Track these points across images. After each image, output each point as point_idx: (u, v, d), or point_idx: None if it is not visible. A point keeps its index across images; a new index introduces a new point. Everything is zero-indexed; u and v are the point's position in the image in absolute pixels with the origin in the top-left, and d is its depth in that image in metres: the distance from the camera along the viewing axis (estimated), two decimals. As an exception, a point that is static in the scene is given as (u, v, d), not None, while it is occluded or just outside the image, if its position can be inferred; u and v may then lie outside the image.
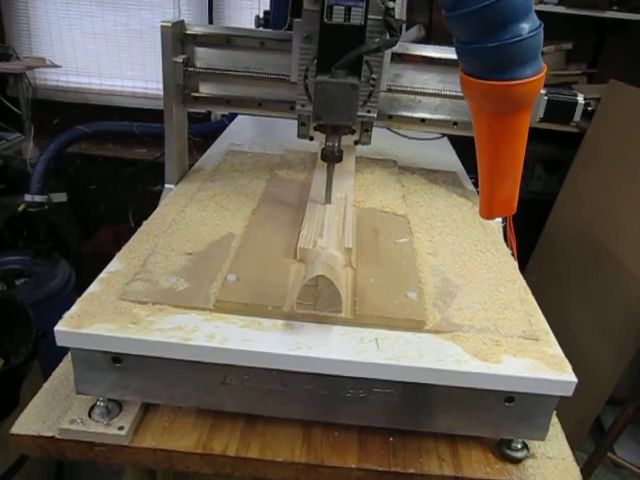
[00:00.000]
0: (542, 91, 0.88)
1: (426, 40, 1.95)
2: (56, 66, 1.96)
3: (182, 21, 0.90)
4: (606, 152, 1.69)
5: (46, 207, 1.58)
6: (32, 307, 1.32)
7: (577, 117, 0.90)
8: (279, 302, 0.63)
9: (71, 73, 2.07)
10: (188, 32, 0.91)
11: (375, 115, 0.83)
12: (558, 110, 0.89)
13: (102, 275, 0.68)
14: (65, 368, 0.72)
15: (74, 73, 2.08)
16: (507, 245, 0.85)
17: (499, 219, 0.92)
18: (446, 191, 1.01)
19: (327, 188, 0.79)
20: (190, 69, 0.90)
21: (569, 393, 0.59)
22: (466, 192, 1.03)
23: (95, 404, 0.65)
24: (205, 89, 0.94)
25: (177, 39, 0.89)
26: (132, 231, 2.18)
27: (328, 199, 0.80)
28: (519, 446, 0.65)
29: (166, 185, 0.98)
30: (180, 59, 0.88)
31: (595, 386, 1.51)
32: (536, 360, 0.60)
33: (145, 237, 0.77)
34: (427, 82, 0.89)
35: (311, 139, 0.90)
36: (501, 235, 0.89)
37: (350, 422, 0.66)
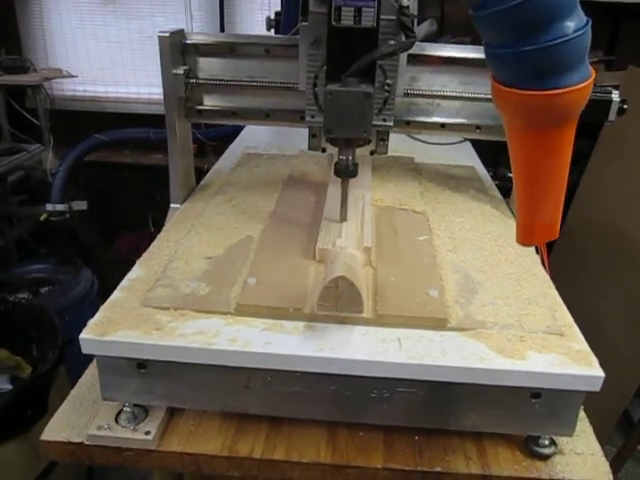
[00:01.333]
0: None
1: (439, 34, 1.93)
2: (72, 76, 1.99)
3: (182, 30, 0.88)
4: (628, 140, 1.66)
5: (67, 215, 1.61)
6: (57, 314, 1.34)
7: (612, 116, 0.85)
8: (300, 304, 0.63)
9: (87, 82, 2.10)
10: (189, 42, 0.88)
11: (391, 124, 0.79)
12: (592, 109, 0.85)
13: (124, 282, 0.69)
14: (91, 375, 0.73)
15: (90, 82, 2.11)
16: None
17: None
18: (465, 186, 1.00)
19: (342, 205, 0.76)
20: (192, 81, 0.88)
21: (596, 388, 0.58)
22: (485, 187, 1.02)
23: (122, 410, 0.65)
24: (209, 101, 0.92)
25: (177, 49, 0.87)
26: (152, 237, 2.19)
27: (343, 216, 0.77)
28: (547, 442, 0.64)
29: (171, 205, 0.94)
30: (181, 70, 0.86)
31: (622, 379, 1.49)
32: (562, 355, 0.59)
33: (165, 243, 0.77)
34: (446, 84, 0.85)
35: (323, 151, 0.88)
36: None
37: (375, 422, 0.65)
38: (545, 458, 0.65)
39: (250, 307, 0.63)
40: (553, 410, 0.61)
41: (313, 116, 0.80)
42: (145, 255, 0.75)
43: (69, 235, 1.70)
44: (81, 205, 1.85)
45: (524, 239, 0.61)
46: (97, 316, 0.62)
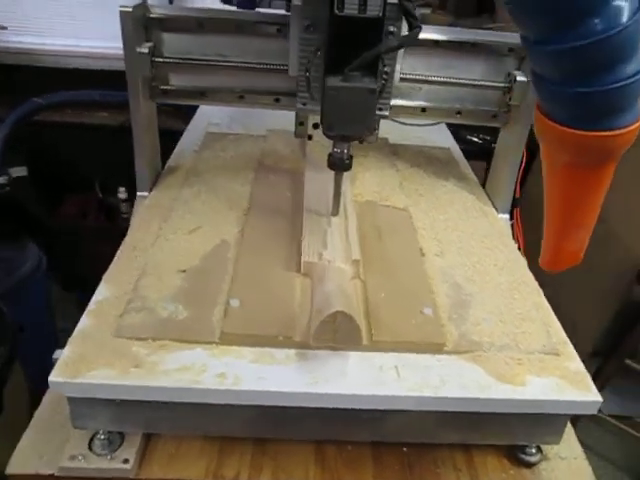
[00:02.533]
0: None
1: None
2: (2, 28, 1.78)
3: (144, 3, 0.78)
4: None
5: (7, 188, 1.47)
6: (3, 298, 1.24)
7: None
8: (289, 331, 0.58)
9: (20, 34, 1.88)
10: (152, 16, 0.78)
11: (387, 113, 0.74)
12: None
13: (91, 306, 0.62)
14: (55, 392, 0.67)
15: (24, 34, 1.89)
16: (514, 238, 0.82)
17: (506, 216, 0.88)
18: (443, 173, 0.97)
19: (335, 198, 0.72)
20: (158, 59, 0.79)
21: (594, 411, 0.58)
22: (463, 173, 0.99)
23: (95, 435, 0.61)
24: (176, 81, 0.83)
25: (140, 24, 0.77)
26: (100, 202, 2.05)
27: (335, 210, 0.73)
28: (533, 451, 0.65)
29: (138, 193, 0.86)
30: (146, 49, 0.76)
31: (578, 340, 1.54)
32: (559, 379, 0.58)
33: (132, 253, 0.71)
34: (429, 68, 0.80)
35: (310, 138, 0.83)
36: (505, 223, 0.86)
37: (364, 439, 0.64)
38: (531, 466, 0.65)
39: (236, 336, 0.58)
40: (542, 422, 0.61)
41: (305, 104, 0.73)
42: (111, 269, 0.68)
43: (11, 207, 1.57)
44: (21, 171, 1.70)
45: (551, 265, 0.61)
46: (66, 352, 0.56)
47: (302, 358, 0.57)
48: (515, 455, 0.65)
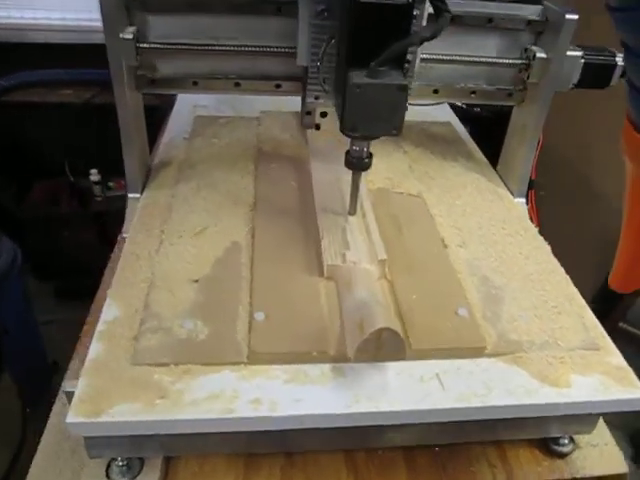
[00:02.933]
0: (578, 53, 0.76)
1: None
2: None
3: None
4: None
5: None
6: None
7: (615, 80, 0.78)
8: (323, 345, 0.54)
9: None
10: None
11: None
12: (594, 74, 0.77)
13: (101, 327, 0.57)
14: (60, 413, 0.63)
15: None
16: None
17: (523, 200, 0.84)
18: (449, 151, 0.93)
19: (352, 198, 0.67)
20: (143, 45, 0.70)
21: (638, 408, 0.56)
22: (469, 151, 0.95)
23: (112, 461, 0.56)
24: (165, 69, 0.74)
25: (121, 5, 0.68)
26: (71, 187, 1.94)
27: (353, 210, 0.68)
28: (566, 441, 0.63)
29: (129, 195, 0.79)
30: (130, 35, 0.68)
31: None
32: (604, 376, 0.56)
33: (135, 262, 0.65)
34: (441, 46, 0.73)
35: (317, 128, 0.77)
36: (522, 207, 0.83)
37: (397, 444, 0.61)
38: (565, 456, 0.64)
39: (267, 354, 0.54)
40: (581, 417, 0.59)
41: (317, 97, 0.67)
42: (116, 281, 0.62)
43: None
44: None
45: (622, 286, 0.57)
46: (81, 385, 0.50)
47: (338, 374, 0.54)
48: (548, 446, 0.64)
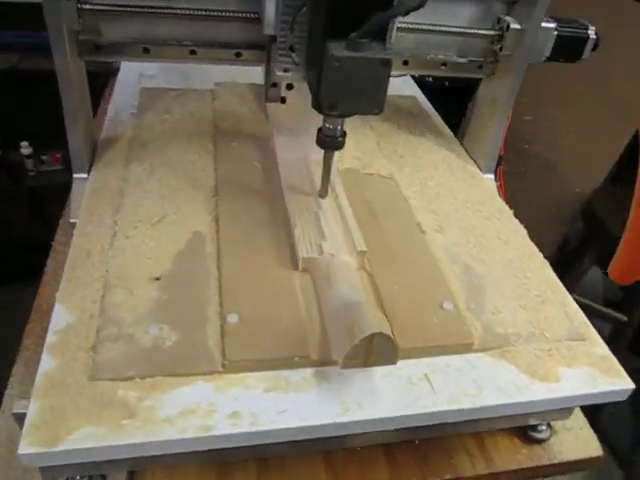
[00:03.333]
0: (551, 25, 0.73)
1: None
2: None
3: None
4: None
5: None
6: None
7: (587, 53, 0.76)
8: (304, 348, 0.50)
9: None
10: None
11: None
12: (567, 47, 0.75)
13: (51, 338, 0.50)
14: (7, 427, 0.56)
15: None
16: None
17: (491, 176, 0.82)
18: (415, 126, 0.89)
19: (323, 179, 0.62)
20: (86, 7, 0.61)
21: (623, 398, 0.55)
22: (436, 126, 0.91)
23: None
24: (111, 34, 0.66)
25: None
26: (0, 161, 1.76)
27: (324, 192, 0.64)
28: (544, 427, 0.63)
29: (75, 175, 0.70)
30: None
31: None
32: (590, 367, 0.55)
33: (86, 259, 0.57)
34: (410, 14, 0.69)
35: (283, 101, 0.70)
36: (492, 184, 0.80)
37: (377, 443, 0.59)
38: (542, 442, 0.64)
39: (244, 362, 0.49)
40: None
41: (286, 70, 0.61)
42: (65, 283, 0.55)
43: None
44: None
45: (622, 278, 0.55)
46: (33, 409, 0.44)
47: (322, 379, 0.50)
48: (526, 433, 0.63)
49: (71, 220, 0.67)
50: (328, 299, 0.53)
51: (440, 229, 0.67)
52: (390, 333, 0.45)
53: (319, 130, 0.58)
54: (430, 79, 1.54)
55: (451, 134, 0.90)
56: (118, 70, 0.98)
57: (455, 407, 0.49)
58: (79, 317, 0.52)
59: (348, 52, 0.47)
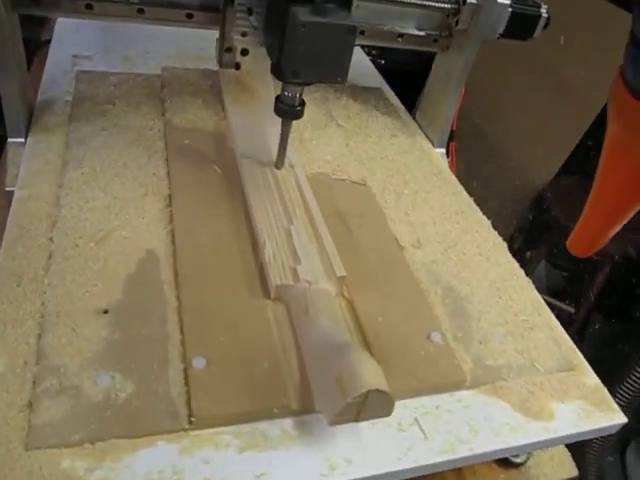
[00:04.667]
0: (506, 1, 0.70)
1: None
2: None
3: None
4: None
5: None
6: None
7: (538, 32, 0.75)
8: (283, 396, 0.44)
9: None
10: None
11: None
12: (520, 24, 0.73)
13: (-26, 394, 0.41)
14: None
15: None
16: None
17: (443, 150, 0.82)
18: (385, 125, 0.82)
19: (280, 149, 0.60)
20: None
21: (614, 431, 0.53)
22: (401, 119, 0.85)
23: None
24: None
25: None
26: None
27: (280, 163, 0.61)
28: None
29: (10, 140, 0.63)
30: None
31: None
32: (583, 401, 0.52)
33: (16, 288, 0.48)
34: None
35: (237, 67, 0.65)
36: (442, 156, 0.81)
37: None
38: (519, 466, 0.61)
39: (214, 417, 0.42)
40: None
41: (244, 34, 0.58)
42: (-9, 319, 0.46)
43: None
44: None
45: (583, 251, 0.52)
46: (-47, 492, 0.36)
47: (304, 431, 0.44)
48: (504, 459, 0.60)
49: (7, 188, 0.60)
50: (308, 336, 0.47)
51: (418, 244, 0.62)
52: (387, 387, 0.39)
53: (277, 98, 0.54)
54: (382, 61, 1.49)
55: (419, 131, 0.85)
56: (45, 44, 0.86)
57: (449, 457, 0.45)
58: (9, 364, 0.43)
59: (314, 17, 0.44)
